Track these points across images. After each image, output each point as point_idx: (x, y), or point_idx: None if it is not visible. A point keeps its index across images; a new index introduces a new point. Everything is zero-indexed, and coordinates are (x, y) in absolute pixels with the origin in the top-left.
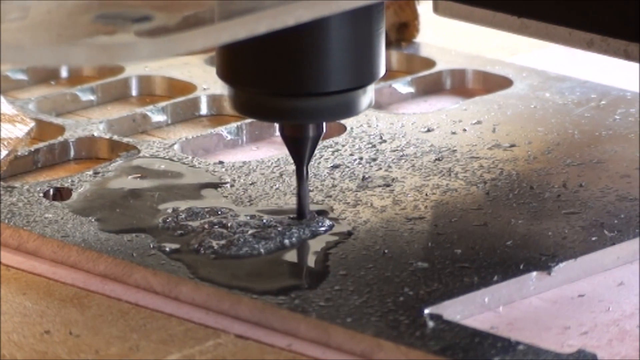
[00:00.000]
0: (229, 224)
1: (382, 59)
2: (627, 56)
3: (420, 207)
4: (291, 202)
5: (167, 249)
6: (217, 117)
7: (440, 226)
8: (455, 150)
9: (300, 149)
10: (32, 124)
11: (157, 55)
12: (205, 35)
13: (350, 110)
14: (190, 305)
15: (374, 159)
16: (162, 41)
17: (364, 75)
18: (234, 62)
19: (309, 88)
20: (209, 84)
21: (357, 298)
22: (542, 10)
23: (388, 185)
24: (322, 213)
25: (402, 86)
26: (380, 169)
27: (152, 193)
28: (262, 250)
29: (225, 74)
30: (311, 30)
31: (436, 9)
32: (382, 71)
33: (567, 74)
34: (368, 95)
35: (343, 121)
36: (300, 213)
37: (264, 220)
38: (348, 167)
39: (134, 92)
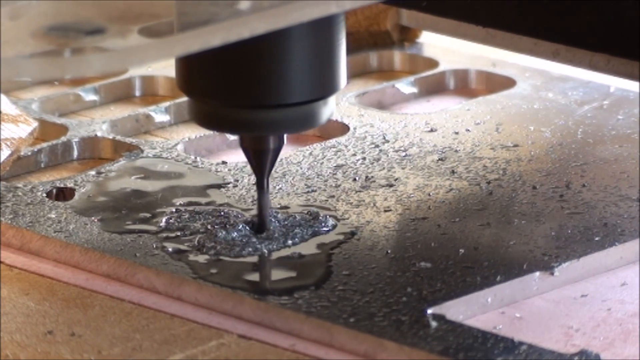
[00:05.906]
0: (232, 224)
1: (343, 70)
2: (592, 67)
3: (423, 207)
4: (293, 202)
5: (170, 249)
6: None
7: (443, 226)
8: (458, 150)
9: (260, 161)
10: (35, 124)
11: (109, 69)
12: (158, 47)
13: (310, 121)
14: (193, 306)
15: (377, 159)
16: (114, 54)
17: (324, 87)
18: (193, 73)
19: (269, 100)
20: None
21: (360, 298)
22: (507, 20)
23: (391, 186)
24: (316, 216)
25: (405, 86)
26: (384, 169)
27: (155, 193)
28: (265, 251)
29: (185, 86)
30: (271, 42)
31: (403, 19)
32: (343, 83)
33: (570, 74)
34: (329, 107)
35: (346, 121)
36: (261, 225)
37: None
38: (351, 167)
39: (137, 92)
